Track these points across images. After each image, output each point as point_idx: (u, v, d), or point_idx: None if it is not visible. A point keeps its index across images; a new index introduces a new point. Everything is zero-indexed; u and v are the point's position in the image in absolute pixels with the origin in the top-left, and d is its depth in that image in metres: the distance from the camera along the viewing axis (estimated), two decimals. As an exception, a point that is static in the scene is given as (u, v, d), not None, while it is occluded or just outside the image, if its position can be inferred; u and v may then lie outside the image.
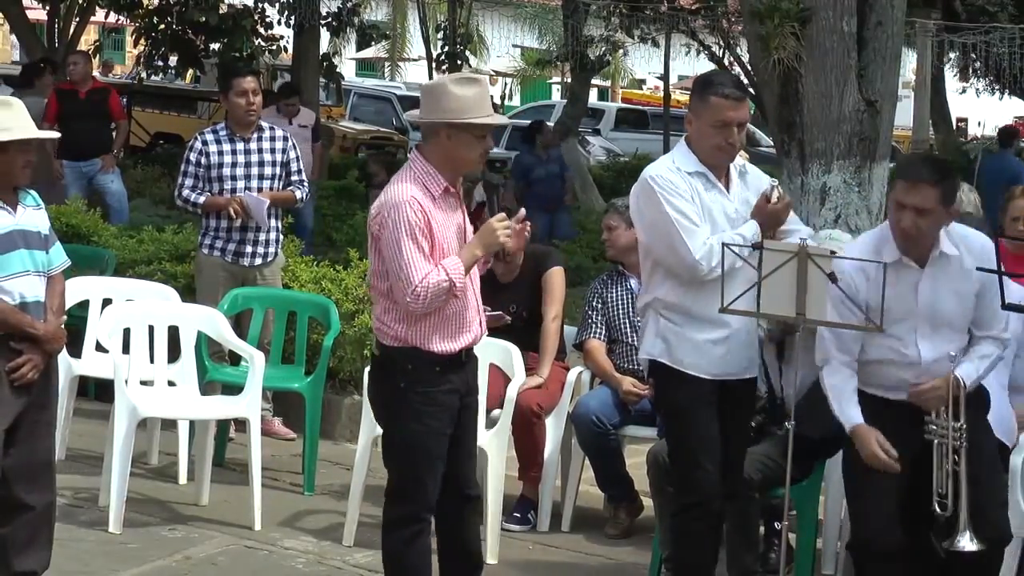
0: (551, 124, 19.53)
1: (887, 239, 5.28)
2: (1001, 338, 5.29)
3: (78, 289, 7.85)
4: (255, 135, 8.28)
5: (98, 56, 22.38)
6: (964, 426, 5.07)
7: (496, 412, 6.86)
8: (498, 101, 41.36)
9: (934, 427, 5.09)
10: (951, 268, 5.24)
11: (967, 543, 5.03)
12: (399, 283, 5.08)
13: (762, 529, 6.28)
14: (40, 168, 5.78)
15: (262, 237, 8.25)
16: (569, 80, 26.14)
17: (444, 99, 5.17)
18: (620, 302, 7.21)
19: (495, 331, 7.25)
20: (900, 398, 5.26)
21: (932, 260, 5.23)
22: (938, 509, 5.07)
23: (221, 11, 19.06)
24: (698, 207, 5.39)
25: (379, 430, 5.59)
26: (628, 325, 7.16)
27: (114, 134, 13.38)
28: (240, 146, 8.23)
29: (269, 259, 8.31)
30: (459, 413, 5.33)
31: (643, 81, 45.48)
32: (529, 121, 27.68)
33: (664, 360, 5.50)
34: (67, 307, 7.60)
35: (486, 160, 5.60)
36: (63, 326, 5.66)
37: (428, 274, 5.06)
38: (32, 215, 5.53)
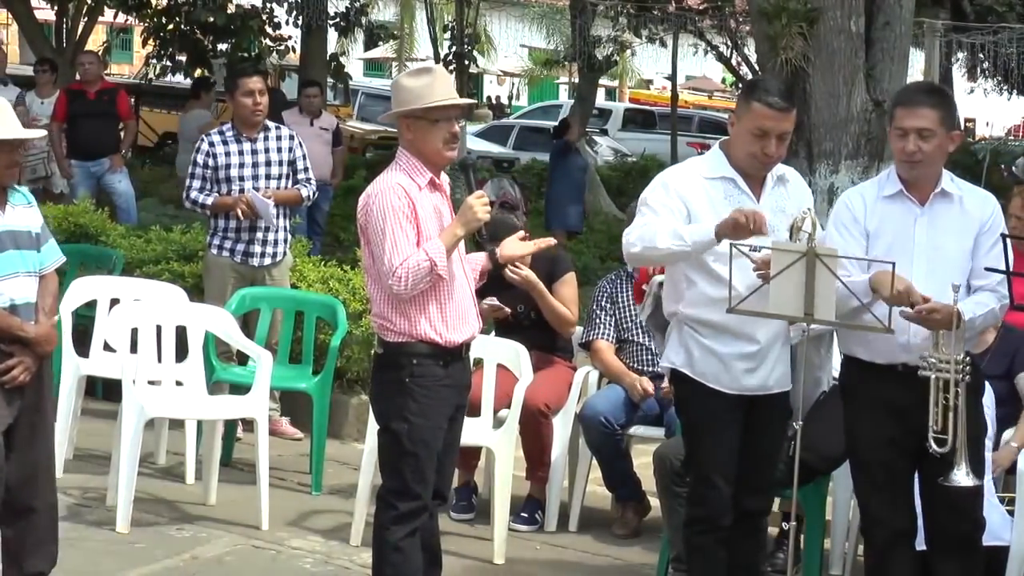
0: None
1: (889, 175, 5.27)
2: (998, 291, 5.17)
3: (86, 289, 7.87)
4: (262, 135, 8.28)
5: (110, 55, 22.43)
6: (962, 358, 4.98)
7: (504, 412, 6.86)
8: (505, 101, 41.44)
9: (933, 360, 4.99)
10: (952, 207, 5.20)
11: (963, 478, 4.97)
12: (383, 266, 5.11)
13: (771, 530, 6.27)
14: None
15: (271, 237, 8.26)
16: (576, 80, 26.11)
17: (399, 93, 5.26)
18: (630, 303, 7.20)
19: (503, 331, 7.26)
20: (893, 362, 5.17)
21: (932, 198, 5.19)
22: (934, 445, 5.00)
23: (229, 11, 19.10)
24: (697, 208, 5.24)
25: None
26: (638, 327, 7.15)
27: (122, 134, 13.40)
28: (247, 146, 8.24)
29: (278, 259, 8.32)
30: (453, 410, 5.36)
31: (650, 81, 45.47)
32: (537, 122, 27.70)
33: (685, 371, 5.38)
34: (75, 307, 7.67)
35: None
36: (61, 326, 5.60)
37: (409, 256, 5.08)
38: (23, 214, 5.46)
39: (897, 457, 5.22)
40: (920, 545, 5.35)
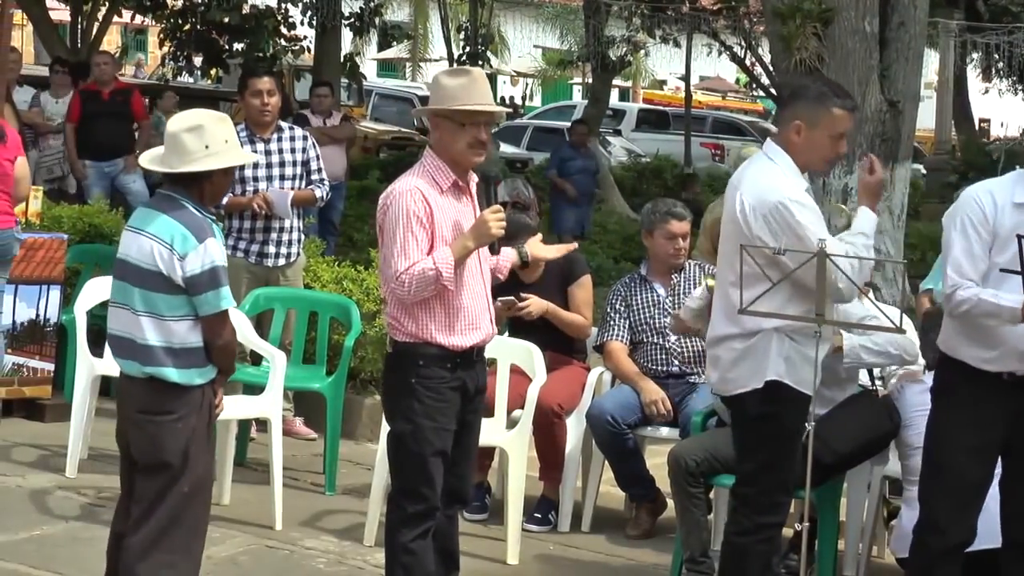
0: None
1: (1023, 177, 5.18)
2: None
3: (100, 289, 7.86)
4: (275, 135, 8.28)
5: (126, 56, 22.45)
6: None
7: (517, 412, 6.87)
8: (519, 102, 41.44)
9: None
10: None
11: None
12: (388, 269, 5.11)
13: (785, 531, 6.25)
14: None
15: (285, 237, 8.26)
16: (590, 80, 26.13)
17: (435, 90, 5.27)
18: (645, 305, 7.20)
19: (517, 332, 7.26)
20: (1001, 370, 5.06)
21: None
22: None
23: (244, 11, 19.13)
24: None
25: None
26: (652, 329, 7.15)
27: (136, 134, 13.43)
28: (260, 147, 8.23)
29: (292, 259, 8.32)
30: (465, 413, 5.31)
31: (664, 82, 45.46)
32: (550, 123, 27.66)
33: (787, 381, 5.27)
34: (89, 307, 7.69)
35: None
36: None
37: (416, 262, 5.06)
38: None
39: (975, 466, 5.15)
40: (987, 544, 5.28)
